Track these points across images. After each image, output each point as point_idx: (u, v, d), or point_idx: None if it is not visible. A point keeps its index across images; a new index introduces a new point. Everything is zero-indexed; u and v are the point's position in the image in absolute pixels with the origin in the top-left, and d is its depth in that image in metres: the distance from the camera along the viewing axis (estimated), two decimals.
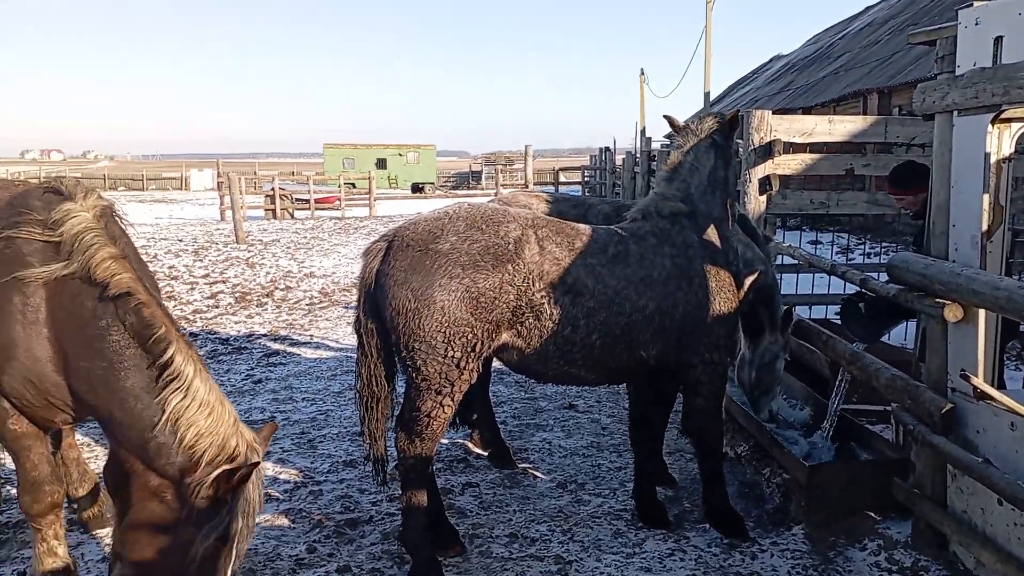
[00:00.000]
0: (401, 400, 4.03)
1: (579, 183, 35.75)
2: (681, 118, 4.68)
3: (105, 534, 4.29)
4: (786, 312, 5.08)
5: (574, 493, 5.05)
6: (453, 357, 3.75)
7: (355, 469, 5.36)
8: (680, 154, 4.47)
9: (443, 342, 3.71)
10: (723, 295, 4.27)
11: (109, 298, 3.11)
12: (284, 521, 4.63)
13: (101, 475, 3.77)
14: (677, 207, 4.32)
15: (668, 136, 4.76)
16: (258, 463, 2.99)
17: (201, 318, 10.65)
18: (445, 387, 3.82)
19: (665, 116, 4.73)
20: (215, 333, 9.78)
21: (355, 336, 4.03)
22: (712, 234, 4.33)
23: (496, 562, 4.15)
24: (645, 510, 4.62)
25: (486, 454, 5.64)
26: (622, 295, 4.00)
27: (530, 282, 3.82)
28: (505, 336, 3.88)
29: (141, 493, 3.00)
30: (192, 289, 12.43)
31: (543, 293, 3.84)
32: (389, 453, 4.21)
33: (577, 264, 3.93)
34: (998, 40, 3.52)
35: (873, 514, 4.45)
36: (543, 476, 5.34)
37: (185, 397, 2.98)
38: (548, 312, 3.87)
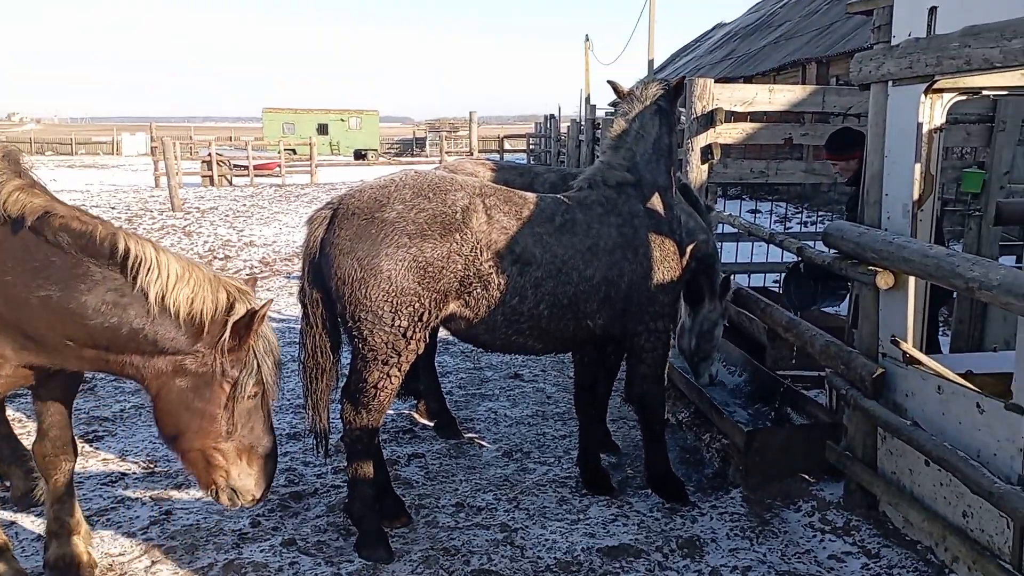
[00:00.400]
0: (346, 371, 3.98)
1: (524, 151, 35.64)
2: (625, 86, 4.65)
3: (39, 512, 4.16)
4: (724, 280, 5.16)
5: (520, 462, 5.09)
6: (400, 327, 3.73)
7: (299, 442, 5.30)
8: (626, 122, 4.46)
9: (390, 312, 3.69)
10: (668, 264, 4.30)
11: (32, 228, 2.94)
12: None
13: (32, 451, 3.65)
14: (623, 176, 4.32)
15: (613, 104, 4.72)
16: (270, 300, 3.17)
17: None
18: (392, 357, 3.79)
19: (609, 82, 4.68)
20: None
21: (299, 306, 3.96)
22: (657, 203, 4.35)
23: (443, 531, 4.16)
24: (589, 477, 4.68)
25: (432, 424, 5.63)
26: (569, 265, 4.00)
27: (478, 251, 3.80)
28: (453, 306, 3.85)
29: (161, 382, 3.06)
30: None
31: (491, 263, 3.82)
32: (333, 425, 4.16)
33: (525, 233, 3.91)
34: (932, 10, 3.58)
35: (807, 476, 4.59)
36: (489, 445, 5.36)
37: (160, 274, 2.96)
38: (496, 282, 3.85)
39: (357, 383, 3.86)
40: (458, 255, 3.76)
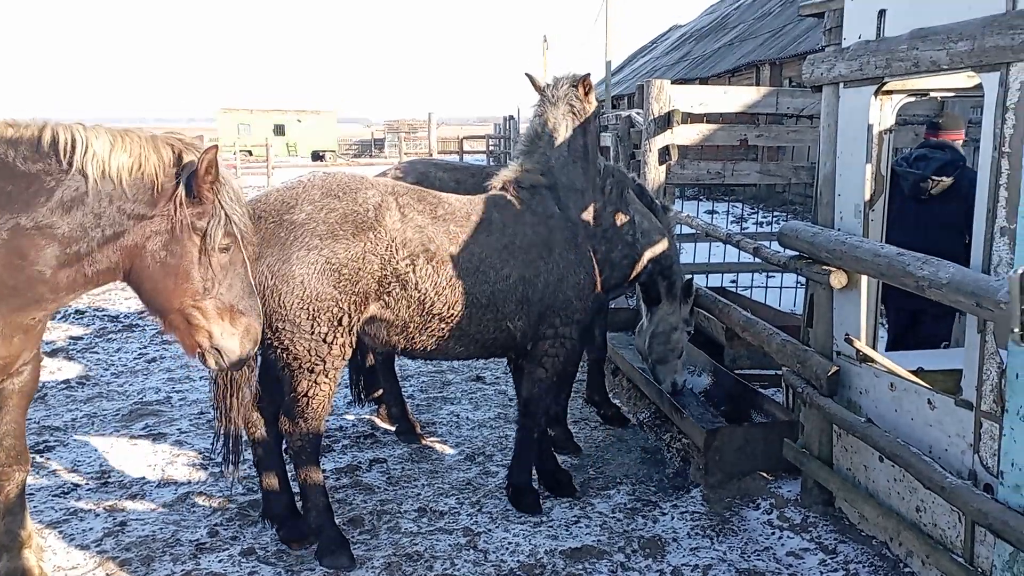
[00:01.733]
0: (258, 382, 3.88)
1: (484, 152, 35.62)
2: (542, 80, 4.56)
3: None
4: (687, 283, 5.18)
5: (482, 465, 5.08)
6: (320, 333, 3.59)
7: None
8: (539, 123, 4.38)
9: (308, 319, 3.55)
10: (583, 268, 4.25)
11: None
12: (184, 505, 4.47)
13: None
14: (536, 179, 4.27)
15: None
16: (215, 145, 3.03)
17: (87, 295, 10.11)
18: (317, 365, 3.66)
19: (527, 74, 4.55)
20: (103, 310, 9.31)
21: None
22: (573, 206, 4.32)
23: (405, 537, 4.13)
24: (549, 479, 4.68)
25: (394, 429, 5.59)
26: (486, 263, 3.92)
27: (393, 250, 3.69)
28: (373, 308, 3.73)
29: (134, 255, 3.00)
30: None
31: (407, 261, 3.72)
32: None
33: (440, 231, 3.83)
34: (882, 13, 3.65)
35: (766, 474, 4.65)
36: (451, 449, 5.34)
37: (95, 150, 2.89)
38: (413, 281, 3.75)
39: (288, 394, 3.73)
40: (373, 254, 3.64)
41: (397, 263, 3.70)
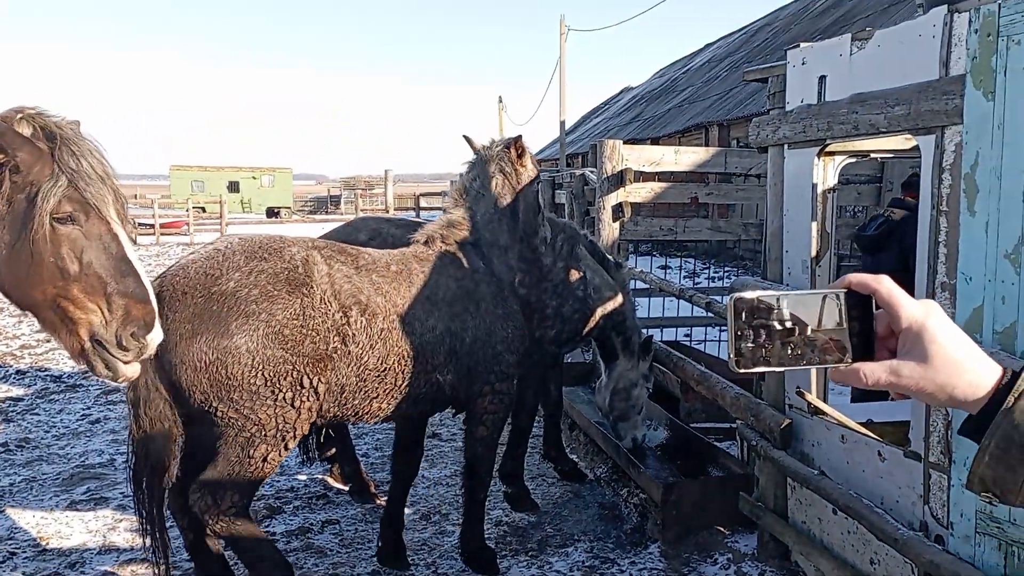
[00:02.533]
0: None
1: (441, 208, 35.85)
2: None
3: None
4: (645, 340, 5.23)
5: (438, 524, 4.98)
6: (285, 398, 3.42)
7: None
8: (468, 180, 4.41)
9: (265, 385, 3.37)
10: (511, 323, 4.23)
11: None
12: (126, 572, 4.29)
13: None
14: (460, 234, 4.24)
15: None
16: (30, 109, 2.67)
17: (30, 353, 9.80)
18: (287, 432, 3.48)
19: (464, 136, 4.57)
20: (46, 370, 9.02)
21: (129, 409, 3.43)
22: (497, 262, 4.31)
23: None
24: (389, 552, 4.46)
25: (347, 489, 5.47)
26: (410, 314, 3.82)
27: (328, 303, 3.56)
28: (324, 368, 3.54)
29: None
30: (19, 322, 11.43)
31: (341, 314, 3.60)
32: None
33: (365, 282, 3.73)
34: (822, 79, 3.81)
35: (723, 528, 4.65)
36: (407, 509, 5.22)
37: None
38: (350, 334, 3.61)
39: (235, 463, 3.44)
40: (312, 309, 3.50)
41: (334, 315, 3.57)
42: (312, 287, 3.53)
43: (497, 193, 4.35)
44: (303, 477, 5.73)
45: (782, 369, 1.05)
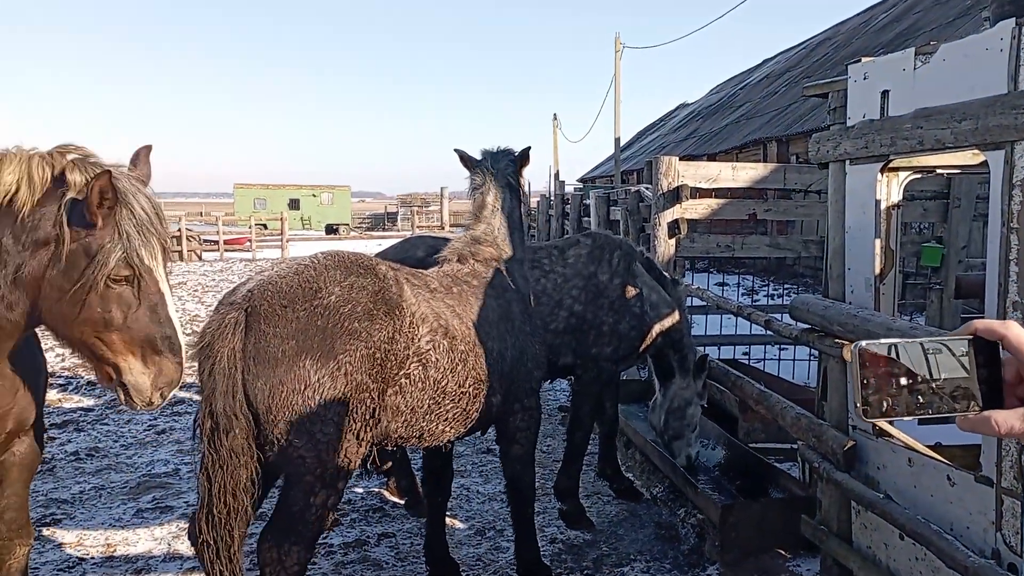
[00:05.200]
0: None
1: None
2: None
3: None
4: (700, 358, 5.17)
5: (492, 540, 4.99)
6: (354, 431, 3.16)
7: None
8: (480, 195, 4.31)
9: (347, 416, 3.13)
10: (537, 339, 4.18)
11: None
12: None
13: None
14: (490, 252, 4.16)
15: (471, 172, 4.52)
16: (107, 172, 2.70)
17: None
18: (343, 469, 3.21)
19: (456, 150, 4.43)
20: None
21: (203, 440, 3.10)
22: (519, 276, 4.27)
23: None
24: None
25: (402, 503, 5.52)
26: (478, 336, 3.72)
27: (415, 327, 3.41)
28: (389, 395, 3.35)
29: (36, 281, 2.77)
30: None
31: (427, 338, 3.45)
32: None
33: (440, 305, 3.62)
34: (885, 94, 3.74)
35: (784, 551, 4.55)
36: (461, 524, 5.25)
37: None
38: (433, 359, 3.47)
39: (295, 512, 3.18)
40: (400, 333, 3.32)
41: (420, 340, 3.42)
42: (403, 309, 3.37)
43: (510, 207, 4.30)
44: (360, 490, 5.80)
45: (910, 418, 1.04)
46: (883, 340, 1.04)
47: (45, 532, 4.98)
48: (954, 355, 1.04)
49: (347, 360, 3.10)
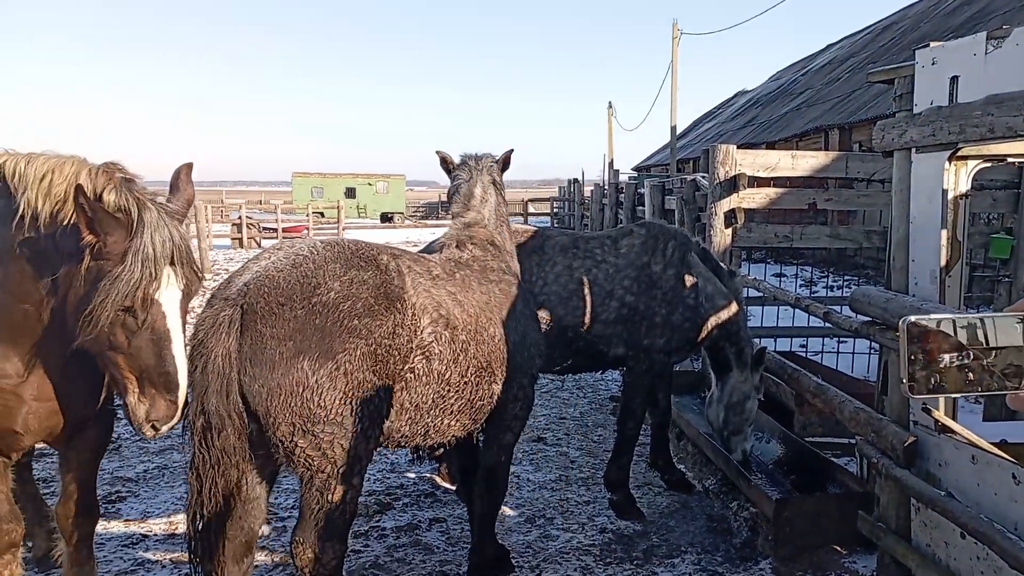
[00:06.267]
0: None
1: (548, 214, 35.99)
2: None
3: (58, 573, 4.15)
4: (758, 351, 5.09)
5: (542, 528, 5.00)
6: (363, 431, 3.11)
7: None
8: (469, 187, 4.32)
9: (350, 414, 3.05)
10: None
11: None
12: None
13: (55, 512, 3.65)
14: (488, 235, 4.13)
15: (452, 172, 4.52)
16: (127, 179, 2.82)
17: None
18: (356, 465, 3.16)
19: (437, 152, 4.49)
20: None
21: (194, 438, 3.02)
22: (513, 262, 4.24)
23: None
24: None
25: (454, 488, 5.57)
26: (479, 323, 3.63)
27: (417, 319, 3.30)
28: (396, 391, 3.27)
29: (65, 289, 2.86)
30: None
31: (429, 330, 3.35)
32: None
33: (442, 293, 3.52)
34: (954, 80, 3.61)
35: (839, 548, 4.46)
36: (511, 511, 5.28)
37: (24, 166, 2.88)
38: (437, 351, 3.37)
39: (319, 513, 3.16)
40: (401, 327, 3.22)
41: (422, 332, 3.33)
42: (405, 301, 3.27)
43: (495, 200, 4.32)
44: (412, 475, 5.88)
45: (958, 395, 1.02)
46: (933, 315, 1.02)
47: (110, 509, 5.17)
48: (1006, 333, 1.01)
49: (346, 359, 3.02)
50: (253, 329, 2.95)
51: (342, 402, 3.02)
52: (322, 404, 2.99)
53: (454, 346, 3.45)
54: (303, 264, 3.12)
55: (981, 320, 1.01)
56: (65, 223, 2.84)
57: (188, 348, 2.99)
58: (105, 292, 2.74)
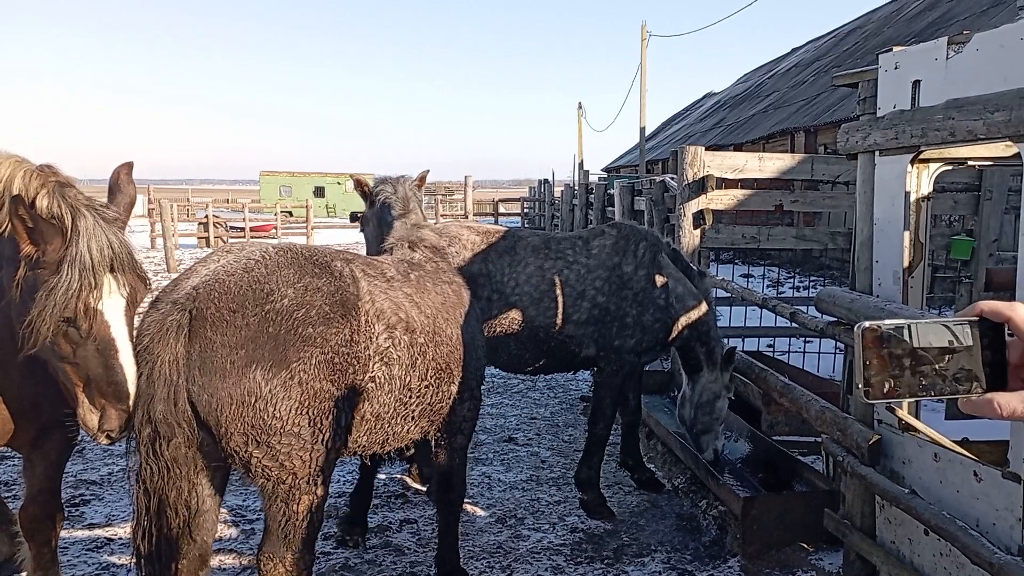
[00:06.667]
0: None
1: (519, 214, 36.01)
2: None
3: None
4: (728, 351, 5.14)
5: (513, 528, 5.01)
6: (323, 440, 3.03)
7: None
8: (398, 197, 4.49)
9: (308, 425, 2.96)
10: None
11: None
12: (212, 561, 4.46)
13: (18, 515, 3.58)
14: (432, 238, 4.13)
15: (371, 193, 4.80)
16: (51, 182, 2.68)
17: None
18: (319, 476, 3.07)
19: (352, 176, 4.78)
20: None
21: (140, 449, 2.89)
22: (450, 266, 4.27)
23: None
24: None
25: (424, 489, 5.55)
26: (436, 324, 3.59)
27: (372, 324, 3.24)
28: (356, 399, 3.21)
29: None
30: None
31: (386, 336, 3.30)
32: None
33: (399, 295, 3.47)
34: (916, 84, 3.68)
35: (806, 545, 4.53)
36: (482, 511, 5.28)
37: None
38: (395, 356, 3.33)
39: (283, 522, 3.06)
40: (358, 334, 3.16)
41: (379, 338, 3.27)
42: (359, 307, 3.20)
43: (418, 216, 4.43)
44: (382, 476, 5.85)
45: (913, 399, 1.04)
46: (887, 321, 1.03)
47: (73, 513, 5.08)
48: (958, 337, 1.03)
49: (301, 368, 2.92)
50: (203, 336, 2.83)
51: (298, 412, 2.92)
52: (277, 415, 2.88)
53: (413, 350, 3.40)
54: (255, 269, 3.00)
55: (908, 324, 1.03)
56: (1, 229, 2.72)
57: (135, 349, 2.87)
58: (42, 303, 2.62)
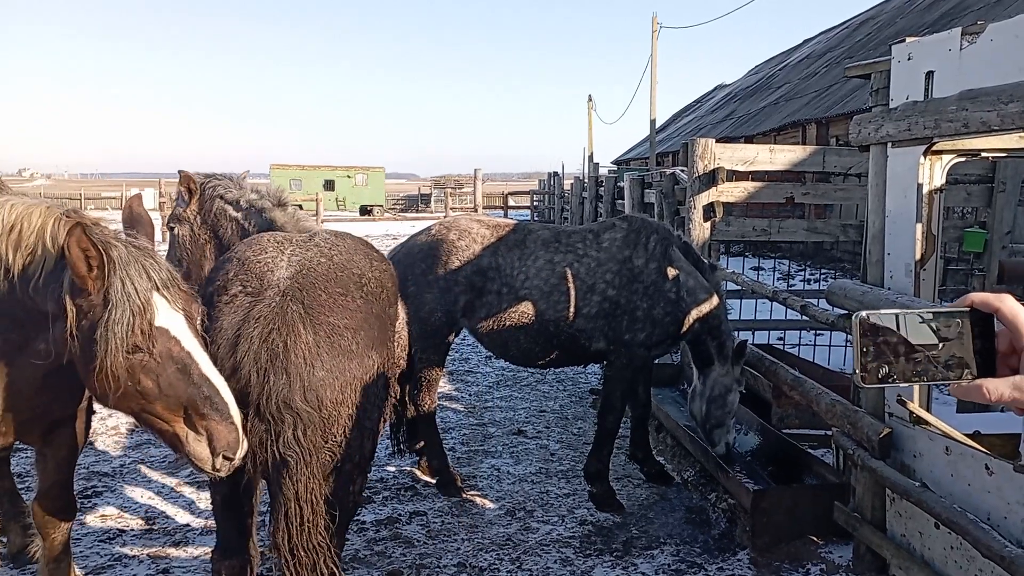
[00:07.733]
0: None
1: (528, 207, 35.97)
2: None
3: (34, 569, 4.11)
4: (739, 344, 5.11)
5: (523, 520, 5.02)
6: (384, 415, 3.32)
7: None
8: (274, 192, 4.34)
9: (384, 401, 3.31)
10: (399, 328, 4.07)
11: None
12: None
13: (31, 507, 3.62)
14: (312, 226, 4.05)
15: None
16: (78, 223, 2.56)
17: None
18: (373, 455, 3.33)
19: (180, 171, 4.50)
20: None
21: (269, 443, 2.87)
22: None
23: None
24: None
25: (434, 482, 5.57)
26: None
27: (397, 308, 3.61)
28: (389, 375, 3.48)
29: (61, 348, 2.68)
30: None
31: (404, 316, 3.67)
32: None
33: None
34: (929, 75, 3.65)
35: (816, 538, 4.51)
36: (491, 504, 5.29)
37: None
38: (403, 337, 3.64)
39: (350, 507, 3.19)
40: (398, 315, 3.59)
41: (400, 319, 3.56)
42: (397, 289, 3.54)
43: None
44: (392, 468, 5.87)
45: (906, 384, 1.10)
46: (884, 311, 1.09)
47: (86, 504, 5.12)
48: (950, 326, 1.09)
49: (387, 347, 3.13)
50: (326, 322, 2.85)
51: (384, 389, 3.14)
52: (375, 392, 3.03)
53: (403, 338, 3.60)
54: (336, 256, 3.10)
55: (898, 315, 1.09)
56: (37, 276, 2.67)
57: (244, 344, 2.83)
58: (105, 340, 2.53)
